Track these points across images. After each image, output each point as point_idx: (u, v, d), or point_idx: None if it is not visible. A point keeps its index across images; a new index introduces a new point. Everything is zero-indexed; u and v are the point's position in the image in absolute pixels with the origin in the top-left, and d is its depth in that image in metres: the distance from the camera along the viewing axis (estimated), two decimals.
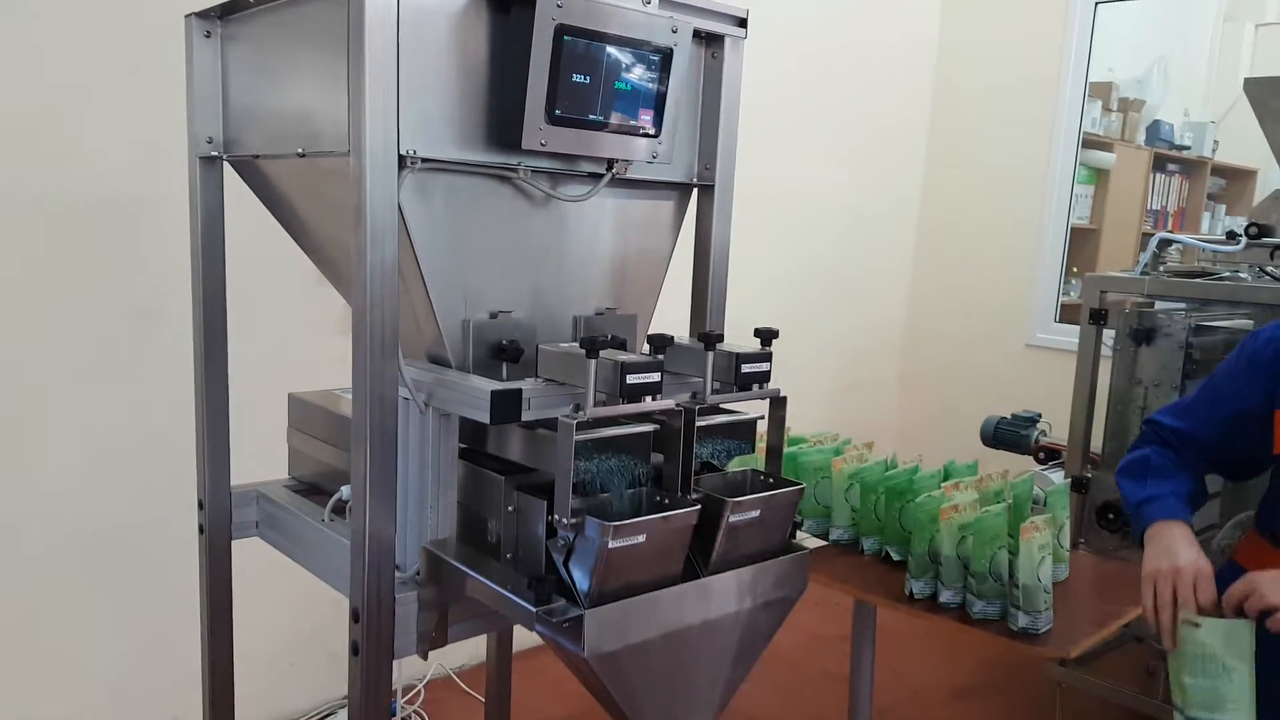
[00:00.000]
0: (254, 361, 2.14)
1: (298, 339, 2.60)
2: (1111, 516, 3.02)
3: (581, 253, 1.60)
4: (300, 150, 1.51)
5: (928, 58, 4.77)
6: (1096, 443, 3.16)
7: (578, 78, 1.39)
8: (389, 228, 1.32)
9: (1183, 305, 3.17)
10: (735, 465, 1.50)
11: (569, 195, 1.53)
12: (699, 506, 1.28)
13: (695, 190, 1.73)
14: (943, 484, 2.30)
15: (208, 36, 1.71)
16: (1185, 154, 5.82)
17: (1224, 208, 6.18)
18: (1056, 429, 3.36)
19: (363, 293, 1.32)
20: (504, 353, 1.47)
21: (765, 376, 1.37)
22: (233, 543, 1.85)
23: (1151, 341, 3.07)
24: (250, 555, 1.90)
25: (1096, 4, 4.46)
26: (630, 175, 1.56)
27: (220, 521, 1.83)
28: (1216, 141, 5.94)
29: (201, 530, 1.83)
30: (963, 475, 2.51)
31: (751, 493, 1.40)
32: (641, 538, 1.21)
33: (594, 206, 1.57)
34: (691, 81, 1.65)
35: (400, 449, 1.40)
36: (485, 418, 1.28)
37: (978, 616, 1.97)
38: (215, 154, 1.74)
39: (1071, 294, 4.75)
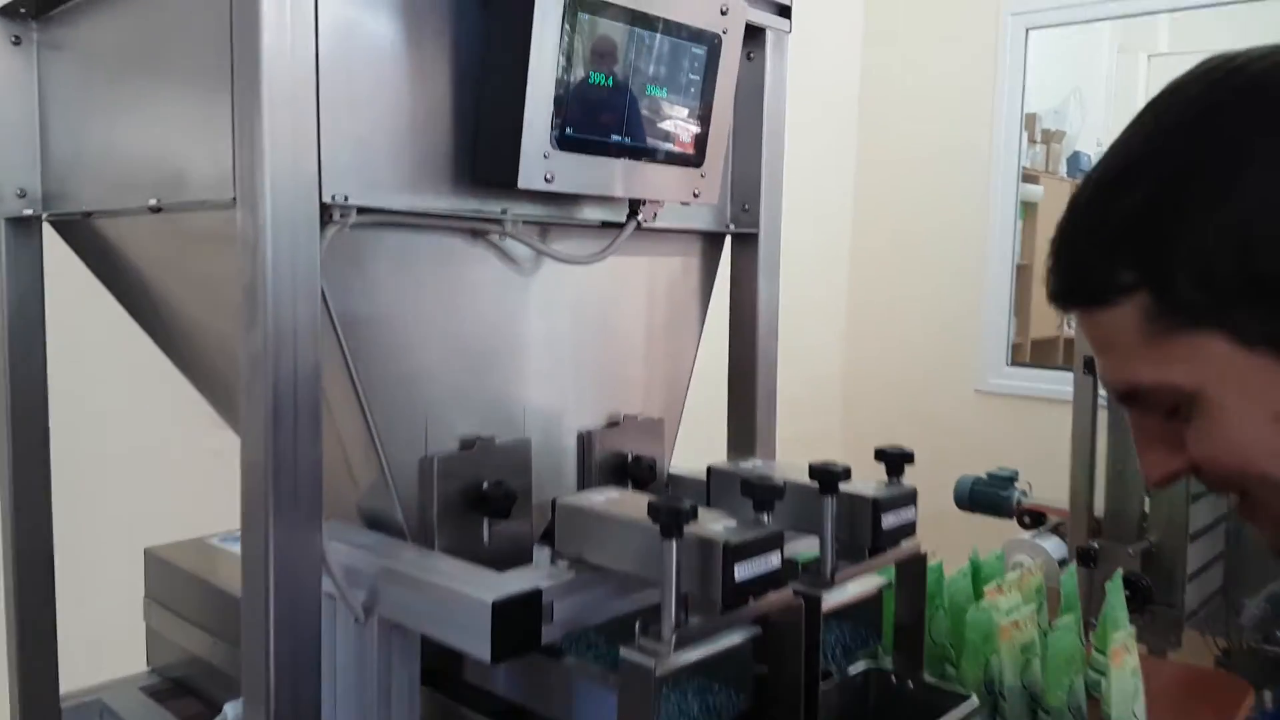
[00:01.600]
0: (91, 496, 1.54)
1: (154, 456, 1.95)
2: (1128, 594, 2.71)
3: (586, 338, 1.09)
4: (154, 202, 0.96)
5: (849, 91, 4.46)
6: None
7: (596, 78, 0.89)
8: (306, 321, 0.79)
9: None
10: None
11: (576, 256, 1.02)
12: None
13: (729, 240, 1.25)
14: (985, 589, 1.90)
15: (16, 44, 1.15)
16: None
17: None
18: (1034, 487, 3.10)
19: (260, 431, 0.78)
20: (486, 503, 0.95)
21: (910, 529, 0.89)
22: None
23: None
24: None
25: (1028, 30, 4.25)
26: (657, 223, 1.07)
27: None
28: None
29: None
30: (993, 570, 2.12)
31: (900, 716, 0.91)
32: None
33: (602, 271, 1.07)
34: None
35: (325, 677, 0.86)
36: (484, 652, 0.75)
37: None
38: (30, 212, 1.17)
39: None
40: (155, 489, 1.83)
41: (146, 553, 1.33)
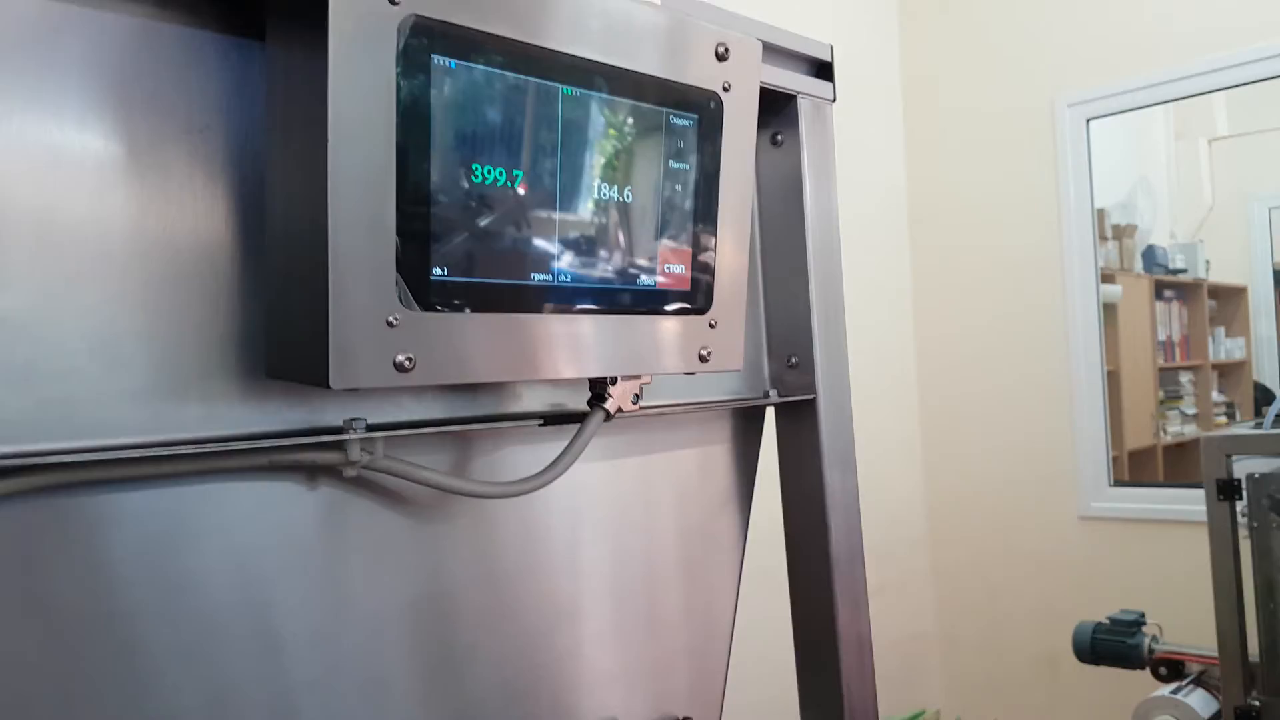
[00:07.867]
0: None
1: None
2: None
3: (552, 607, 0.66)
4: None
5: (898, 207, 4.08)
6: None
7: (488, 174, 0.49)
8: None
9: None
10: None
11: (493, 483, 0.59)
12: None
13: (773, 412, 0.81)
14: None
15: None
16: (1182, 277, 5.35)
17: (1222, 330, 5.70)
18: (1164, 628, 2.62)
19: None
20: None
21: None
22: None
23: None
24: None
25: (1089, 120, 3.89)
26: (648, 403, 0.64)
27: None
28: (1208, 261, 5.51)
29: None
30: None
31: None
32: None
33: (564, 488, 0.64)
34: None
35: None
36: None
37: None
38: None
39: None
40: None
41: None
